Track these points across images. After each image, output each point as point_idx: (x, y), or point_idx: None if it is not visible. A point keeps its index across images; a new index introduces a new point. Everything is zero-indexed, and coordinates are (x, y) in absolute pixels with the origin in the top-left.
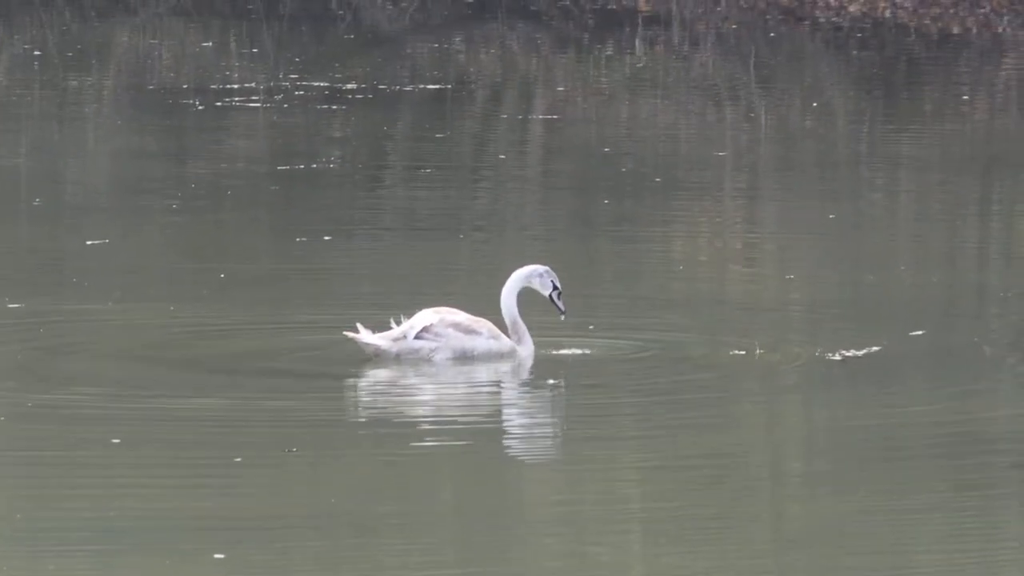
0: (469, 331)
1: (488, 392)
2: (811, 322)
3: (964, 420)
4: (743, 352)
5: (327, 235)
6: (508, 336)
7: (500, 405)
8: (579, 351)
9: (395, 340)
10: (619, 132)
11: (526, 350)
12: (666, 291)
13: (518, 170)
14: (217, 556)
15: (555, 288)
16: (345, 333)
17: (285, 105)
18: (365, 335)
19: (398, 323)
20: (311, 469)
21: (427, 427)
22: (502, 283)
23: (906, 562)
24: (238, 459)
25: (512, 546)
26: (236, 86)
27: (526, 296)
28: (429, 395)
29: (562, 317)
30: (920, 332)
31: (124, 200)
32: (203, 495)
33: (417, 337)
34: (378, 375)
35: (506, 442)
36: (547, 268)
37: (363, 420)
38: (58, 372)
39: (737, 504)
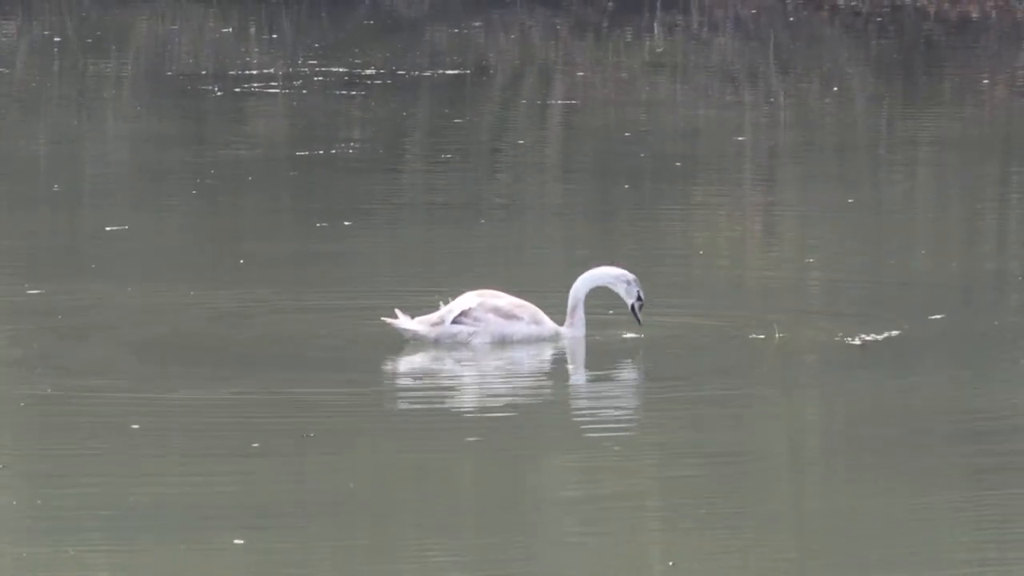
0: (509, 316)
1: (515, 378)
2: (831, 306)
3: (984, 405)
4: (762, 336)
5: (347, 220)
6: (566, 317)
7: (522, 391)
8: (599, 336)
9: (433, 325)
10: (638, 116)
11: (571, 333)
12: (685, 275)
13: (537, 155)
14: (236, 542)
15: (640, 299)
16: (383, 319)
17: (304, 91)
18: (403, 320)
19: (445, 303)
20: (331, 455)
21: (450, 413)
22: (521, 267)
23: (926, 548)
24: (256, 444)
25: (529, 535)
26: (255, 72)
27: (551, 273)
28: (454, 381)
29: (641, 334)
30: (940, 316)
31: (143, 186)
32: (222, 481)
33: (456, 321)
34: (401, 360)
35: (526, 428)
36: (635, 277)
37: (382, 405)
38: (77, 358)
39: (756, 490)
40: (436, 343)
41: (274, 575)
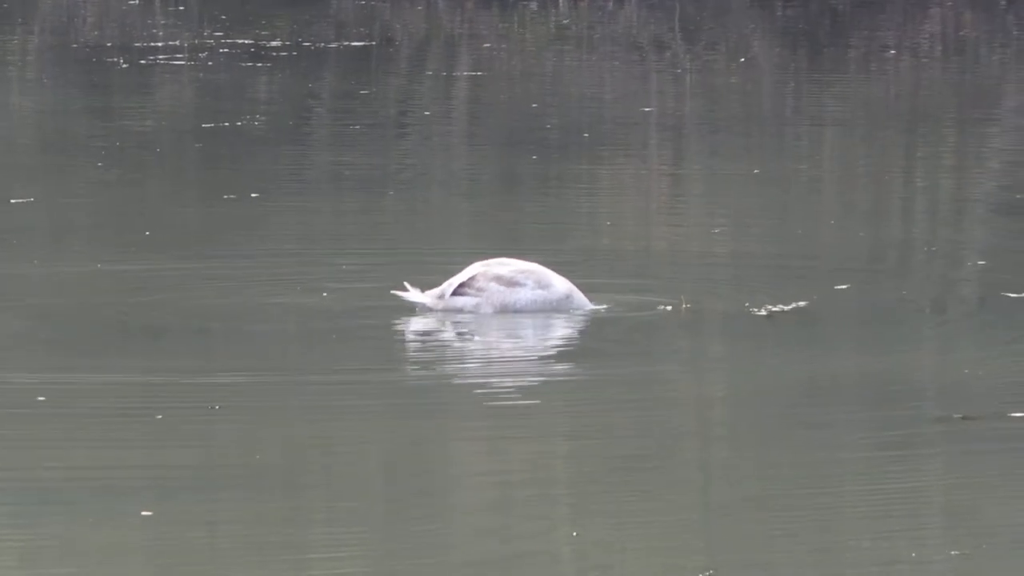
0: (511, 283)
1: (421, 351)
2: (737, 277)
3: (889, 375)
4: (670, 307)
5: (254, 192)
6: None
7: (425, 364)
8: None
9: (439, 298)
10: (545, 88)
11: (580, 302)
12: (593, 247)
13: (444, 126)
14: (144, 513)
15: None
16: (393, 292)
17: (210, 62)
18: (412, 294)
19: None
20: (238, 427)
21: (355, 384)
22: (429, 238)
23: (833, 518)
24: (159, 416)
25: (437, 505)
26: (161, 44)
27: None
28: (360, 352)
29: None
30: (845, 287)
31: (49, 158)
32: (128, 453)
33: (457, 293)
34: (309, 331)
35: (431, 401)
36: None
37: (289, 377)
38: None
39: (662, 463)
40: (443, 316)
41: (182, 546)
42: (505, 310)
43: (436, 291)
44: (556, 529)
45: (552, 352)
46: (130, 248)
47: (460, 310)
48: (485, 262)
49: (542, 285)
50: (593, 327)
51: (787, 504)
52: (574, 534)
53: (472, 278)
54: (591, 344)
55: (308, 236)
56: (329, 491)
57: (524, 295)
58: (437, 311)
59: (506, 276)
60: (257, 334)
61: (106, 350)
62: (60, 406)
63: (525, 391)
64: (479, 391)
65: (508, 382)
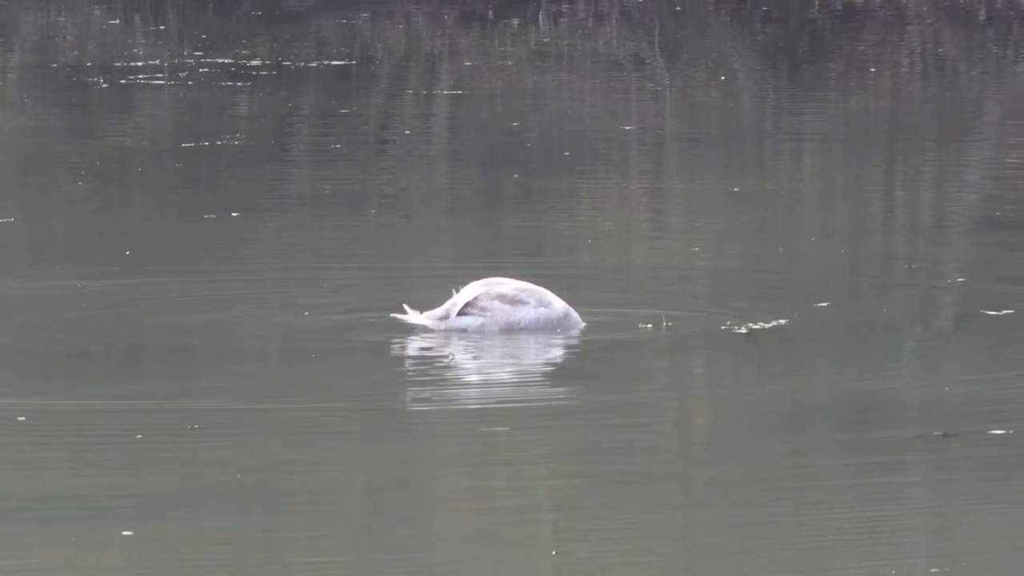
0: (515, 302)
1: (395, 375)
2: (718, 295)
3: (869, 392)
4: (650, 325)
5: (234, 211)
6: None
7: (399, 387)
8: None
9: (440, 319)
10: (525, 107)
11: (575, 320)
12: (574, 265)
13: (424, 145)
14: (125, 533)
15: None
16: (392, 315)
17: (190, 82)
18: (412, 316)
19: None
20: (217, 446)
21: (335, 406)
22: (410, 256)
23: (813, 535)
24: (139, 436)
25: (418, 530)
26: (141, 63)
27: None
28: (339, 373)
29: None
30: (825, 304)
31: (29, 178)
32: (108, 473)
33: (462, 313)
34: (286, 351)
35: (407, 424)
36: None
37: (267, 396)
38: None
39: (643, 482)
40: (446, 336)
41: (163, 566)
42: (510, 329)
43: (437, 312)
44: (541, 554)
45: (534, 374)
46: (111, 267)
47: (465, 330)
48: (483, 281)
49: (543, 303)
50: (576, 347)
51: (768, 522)
52: (553, 553)
53: (475, 298)
54: (574, 365)
55: (289, 255)
56: (310, 513)
57: (527, 314)
58: (439, 332)
59: (509, 295)
60: (238, 353)
61: (86, 369)
62: (39, 426)
63: (509, 414)
64: (463, 412)
65: (491, 404)
